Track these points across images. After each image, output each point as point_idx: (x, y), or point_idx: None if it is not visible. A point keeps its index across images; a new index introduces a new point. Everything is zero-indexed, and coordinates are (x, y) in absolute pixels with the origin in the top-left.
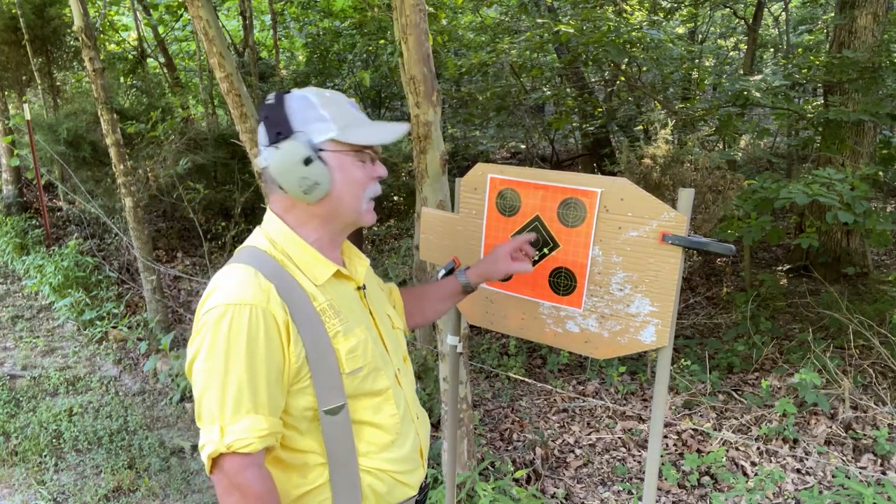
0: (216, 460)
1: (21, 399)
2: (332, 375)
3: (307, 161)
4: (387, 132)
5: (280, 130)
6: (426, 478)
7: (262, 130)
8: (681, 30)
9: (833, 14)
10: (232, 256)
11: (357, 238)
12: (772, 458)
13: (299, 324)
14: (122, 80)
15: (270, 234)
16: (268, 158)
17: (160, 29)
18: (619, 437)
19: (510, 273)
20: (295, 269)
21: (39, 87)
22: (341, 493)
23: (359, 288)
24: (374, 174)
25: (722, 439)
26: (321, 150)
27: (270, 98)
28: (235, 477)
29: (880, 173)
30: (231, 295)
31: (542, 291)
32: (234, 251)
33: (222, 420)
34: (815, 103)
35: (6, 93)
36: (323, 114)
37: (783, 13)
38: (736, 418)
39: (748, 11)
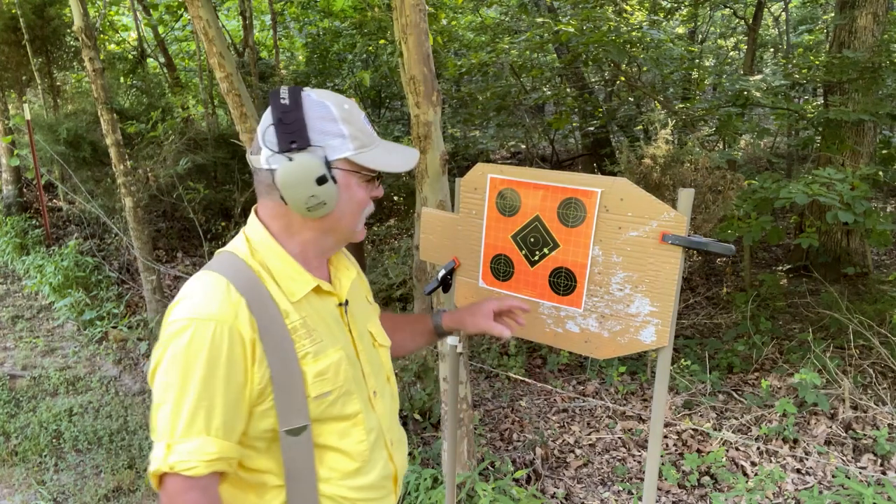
0: (161, 478)
1: (21, 399)
2: (296, 398)
3: (321, 180)
4: (400, 159)
5: (296, 139)
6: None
7: (269, 130)
8: (681, 30)
9: (833, 14)
10: (211, 259)
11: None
12: (772, 458)
13: (266, 342)
14: (122, 80)
15: (252, 240)
16: (273, 164)
17: (160, 29)
18: (619, 437)
19: (486, 332)
20: (271, 283)
21: (39, 87)
22: None
23: (340, 304)
24: (373, 194)
25: (722, 439)
26: (333, 167)
27: (284, 96)
28: (176, 498)
29: (880, 173)
30: (197, 308)
31: (542, 291)
32: (215, 253)
33: (171, 437)
34: (815, 103)
35: (6, 93)
36: (342, 129)
37: (783, 13)
38: (736, 418)
39: (748, 11)
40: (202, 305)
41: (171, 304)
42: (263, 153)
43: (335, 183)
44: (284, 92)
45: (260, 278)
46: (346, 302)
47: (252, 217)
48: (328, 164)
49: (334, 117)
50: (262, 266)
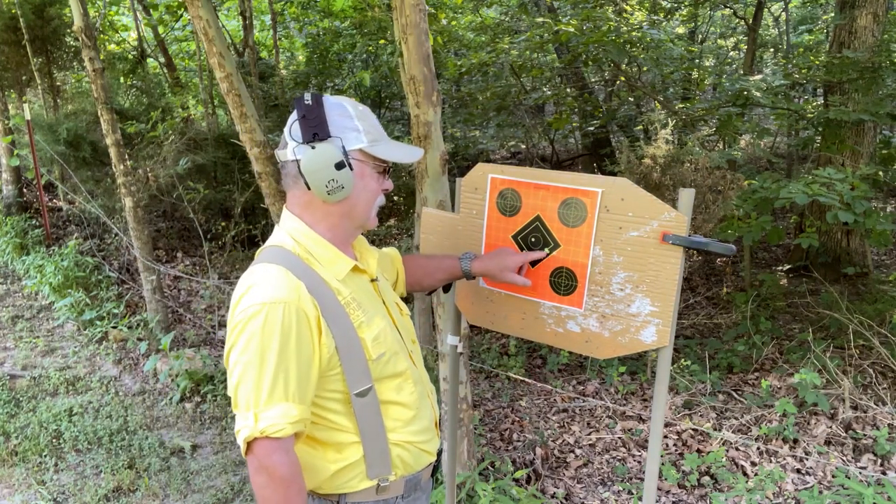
0: (250, 444)
1: (21, 399)
2: (359, 362)
3: (339, 165)
4: (406, 153)
5: (317, 132)
6: (441, 444)
7: (294, 126)
8: (681, 30)
9: (833, 14)
10: (259, 256)
11: None
12: (772, 458)
13: (328, 318)
14: (122, 80)
15: (292, 232)
16: (299, 154)
17: (160, 29)
18: (619, 437)
19: (510, 281)
20: (318, 266)
21: (39, 87)
22: (374, 465)
23: (372, 280)
24: (384, 186)
25: (722, 439)
26: (350, 157)
27: (308, 98)
28: (265, 459)
29: (880, 173)
30: (266, 294)
31: (543, 291)
32: (258, 252)
33: (256, 407)
34: (815, 103)
35: (6, 93)
36: (357, 125)
37: (783, 13)
38: (736, 418)
39: (748, 11)
40: (270, 291)
41: (237, 294)
42: (290, 146)
43: (351, 170)
44: (308, 96)
45: (309, 264)
46: (377, 278)
47: (285, 212)
48: (345, 153)
49: (350, 115)
50: (307, 253)
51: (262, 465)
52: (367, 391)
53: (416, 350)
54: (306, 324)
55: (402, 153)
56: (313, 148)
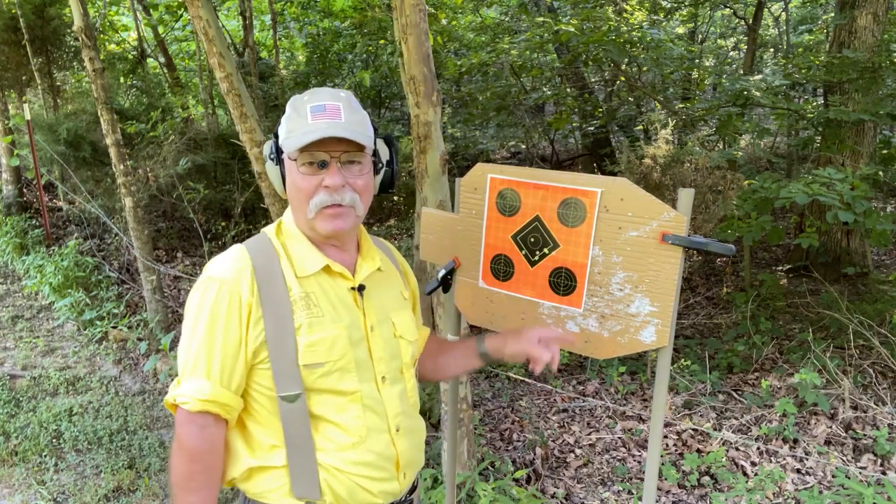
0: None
1: (21, 399)
2: (288, 364)
3: (270, 158)
4: (302, 140)
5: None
6: (408, 494)
7: None
8: (681, 30)
9: (833, 14)
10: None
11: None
12: (772, 458)
13: (265, 308)
14: (122, 80)
15: (283, 221)
16: None
17: (160, 29)
18: (619, 437)
19: (527, 355)
20: (284, 259)
21: (39, 87)
22: (299, 482)
23: (353, 288)
24: (325, 183)
25: (722, 439)
26: (281, 152)
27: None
28: (177, 427)
29: (880, 173)
30: (212, 270)
31: (542, 291)
32: None
33: (181, 375)
34: (815, 103)
35: (6, 93)
36: (286, 117)
37: (783, 13)
38: (736, 418)
39: (748, 11)
40: (215, 268)
41: None
42: None
43: (276, 164)
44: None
45: (276, 254)
46: (362, 287)
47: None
48: (275, 148)
49: (289, 107)
50: (282, 245)
51: (176, 431)
52: (296, 398)
53: (402, 381)
54: (237, 307)
55: (302, 137)
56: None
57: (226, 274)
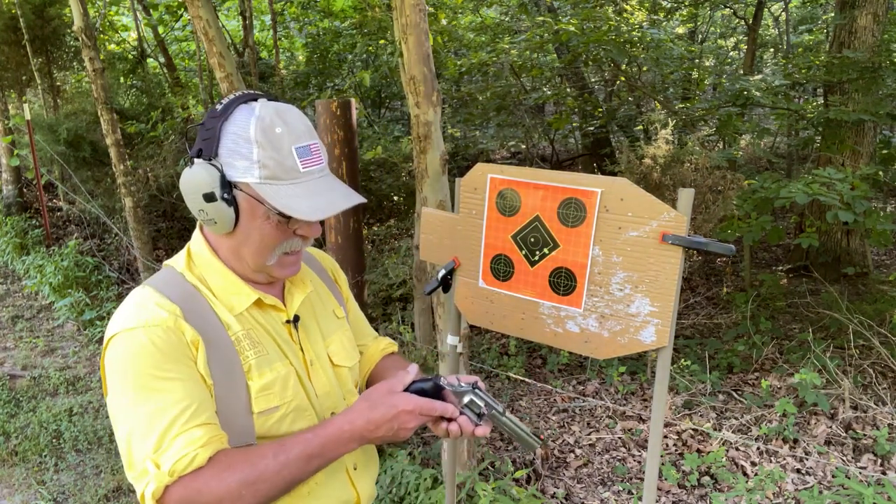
0: (162, 500)
1: (21, 399)
2: (241, 414)
3: (209, 197)
4: (315, 205)
5: (203, 148)
6: None
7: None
8: (681, 30)
9: (833, 14)
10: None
11: (356, 238)
12: (772, 458)
13: (210, 350)
14: (122, 80)
15: (193, 253)
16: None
17: (160, 29)
18: (619, 437)
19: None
20: (210, 295)
21: (39, 87)
22: None
23: (288, 321)
24: (300, 233)
25: (722, 439)
26: (236, 187)
27: (222, 103)
28: (195, 499)
29: (880, 173)
30: (126, 321)
31: (542, 291)
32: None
33: (154, 454)
34: (815, 103)
35: (6, 93)
36: (253, 153)
37: (783, 13)
38: (736, 418)
39: (748, 11)
40: (130, 317)
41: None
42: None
43: (230, 205)
44: (228, 99)
45: (198, 290)
46: (297, 319)
47: (196, 229)
48: (228, 184)
49: (249, 138)
50: (200, 280)
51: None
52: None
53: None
54: (182, 342)
55: (308, 204)
56: (190, 167)
57: (147, 317)
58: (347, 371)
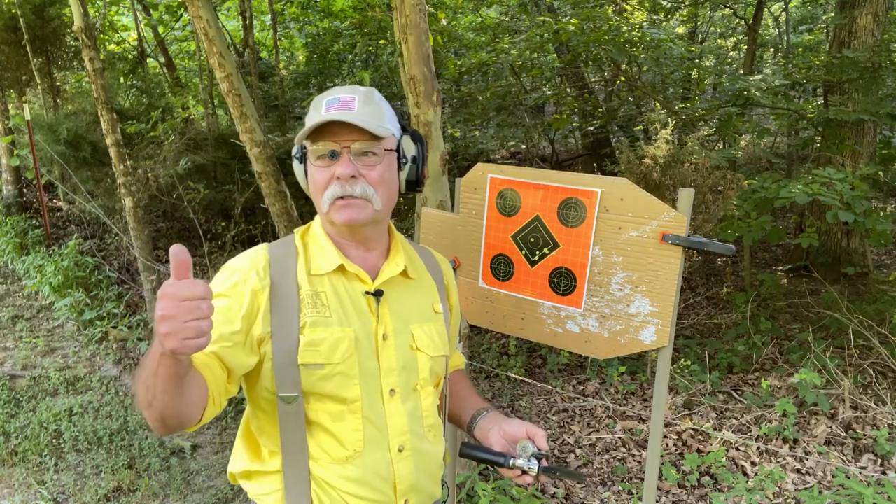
0: None
1: (21, 399)
2: (289, 363)
3: (296, 157)
4: (324, 118)
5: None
6: None
7: None
8: (681, 30)
9: (833, 14)
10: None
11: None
12: (772, 458)
13: (275, 302)
14: (122, 80)
15: (312, 222)
16: None
17: (160, 29)
18: (619, 437)
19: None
20: (301, 257)
21: (39, 87)
22: (291, 491)
23: (368, 293)
24: (337, 173)
25: (722, 439)
26: (305, 149)
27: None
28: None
29: (880, 173)
30: (229, 262)
31: (542, 291)
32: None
33: None
34: (815, 103)
35: (6, 93)
36: (306, 118)
37: (783, 13)
38: (736, 418)
39: (748, 11)
40: (234, 260)
41: None
42: None
43: (301, 162)
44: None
45: (296, 252)
46: (379, 292)
47: None
48: (303, 147)
49: (309, 110)
50: (303, 244)
51: None
52: (293, 400)
53: (414, 398)
54: (251, 291)
55: (319, 117)
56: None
57: (241, 264)
58: (427, 358)
